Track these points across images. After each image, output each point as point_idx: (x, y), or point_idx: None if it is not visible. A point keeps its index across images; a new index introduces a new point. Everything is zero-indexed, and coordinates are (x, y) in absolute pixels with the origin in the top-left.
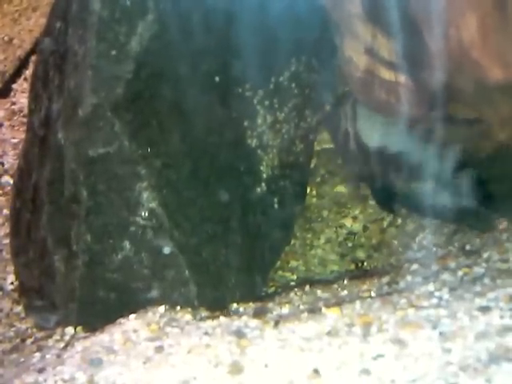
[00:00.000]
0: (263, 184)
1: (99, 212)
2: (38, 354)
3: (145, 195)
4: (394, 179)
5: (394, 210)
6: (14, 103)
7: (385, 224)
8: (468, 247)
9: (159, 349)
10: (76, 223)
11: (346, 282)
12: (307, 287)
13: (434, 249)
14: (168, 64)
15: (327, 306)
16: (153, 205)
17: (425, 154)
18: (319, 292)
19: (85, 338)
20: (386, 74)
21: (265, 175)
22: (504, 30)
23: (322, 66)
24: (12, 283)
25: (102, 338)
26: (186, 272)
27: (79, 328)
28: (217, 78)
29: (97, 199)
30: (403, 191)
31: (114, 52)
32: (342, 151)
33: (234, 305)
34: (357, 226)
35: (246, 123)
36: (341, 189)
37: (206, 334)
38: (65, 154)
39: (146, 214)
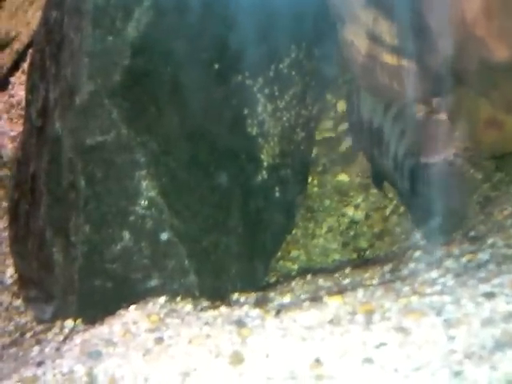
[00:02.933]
0: (264, 172)
1: (98, 201)
2: (37, 348)
3: (144, 184)
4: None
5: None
6: (12, 96)
7: (387, 212)
8: (472, 233)
9: (159, 340)
10: (74, 213)
11: (347, 270)
12: (309, 276)
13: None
14: (165, 50)
15: (329, 294)
16: (152, 193)
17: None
18: (321, 281)
19: (84, 330)
20: (389, 58)
21: (266, 163)
22: (508, 9)
23: (323, 52)
24: (11, 276)
25: (102, 330)
26: (186, 261)
27: (79, 320)
28: (216, 64)
29: (95, 188)
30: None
31: (110, 38)
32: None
33: (235, 294)
34: (359, 215)
35: (246, 110)
36: (342, 178)
37: (207, 324)
38: (62, 143)
39: (146, 203)
